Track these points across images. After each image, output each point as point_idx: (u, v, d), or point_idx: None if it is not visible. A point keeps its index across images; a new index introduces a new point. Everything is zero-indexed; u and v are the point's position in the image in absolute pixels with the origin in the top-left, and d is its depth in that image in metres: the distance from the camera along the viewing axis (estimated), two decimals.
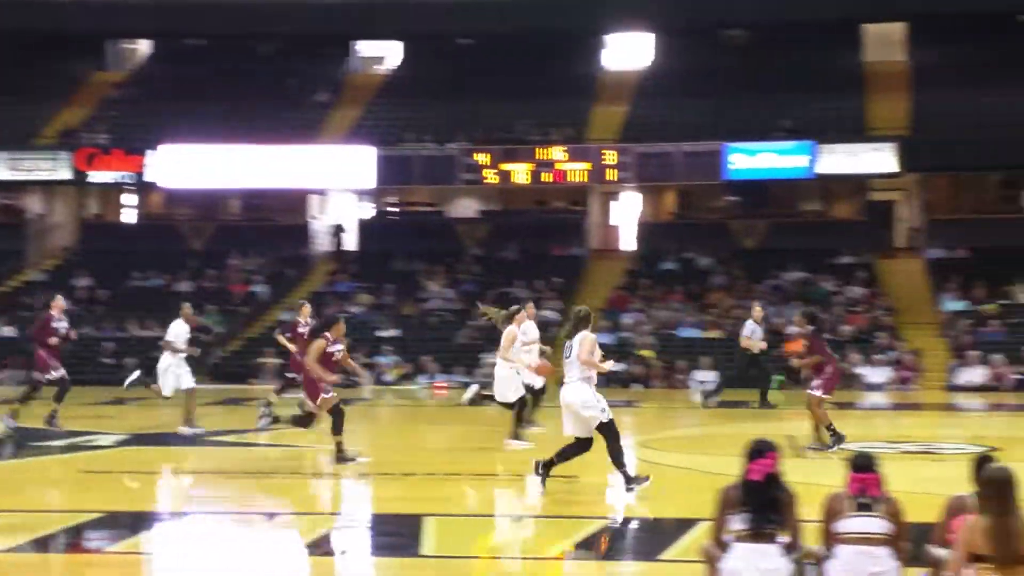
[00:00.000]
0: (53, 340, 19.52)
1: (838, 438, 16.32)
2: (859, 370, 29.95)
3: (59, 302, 20.24)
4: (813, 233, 38.90)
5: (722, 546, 7.54)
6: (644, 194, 41.25)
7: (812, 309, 18.47)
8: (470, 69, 41.99)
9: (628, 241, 41.21)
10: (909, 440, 17.21)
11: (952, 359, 30.52)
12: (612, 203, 42.35)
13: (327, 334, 15.24)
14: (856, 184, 39.28)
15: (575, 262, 38.67)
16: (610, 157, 36.94)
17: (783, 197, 41.04)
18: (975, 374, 29.22)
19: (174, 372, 19.13)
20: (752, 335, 23.69)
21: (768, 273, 36.07)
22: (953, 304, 33.12)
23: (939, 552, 7.49)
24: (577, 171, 37.19)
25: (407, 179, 38.92)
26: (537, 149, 37.44)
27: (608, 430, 12.64)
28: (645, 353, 31.69)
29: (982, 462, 7.59)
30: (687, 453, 17.52)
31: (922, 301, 34.83)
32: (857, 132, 37.52)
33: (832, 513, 7.57)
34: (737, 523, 7.44)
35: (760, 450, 7.54)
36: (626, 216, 42.08)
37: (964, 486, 7.44)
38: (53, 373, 19.43)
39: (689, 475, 14.64)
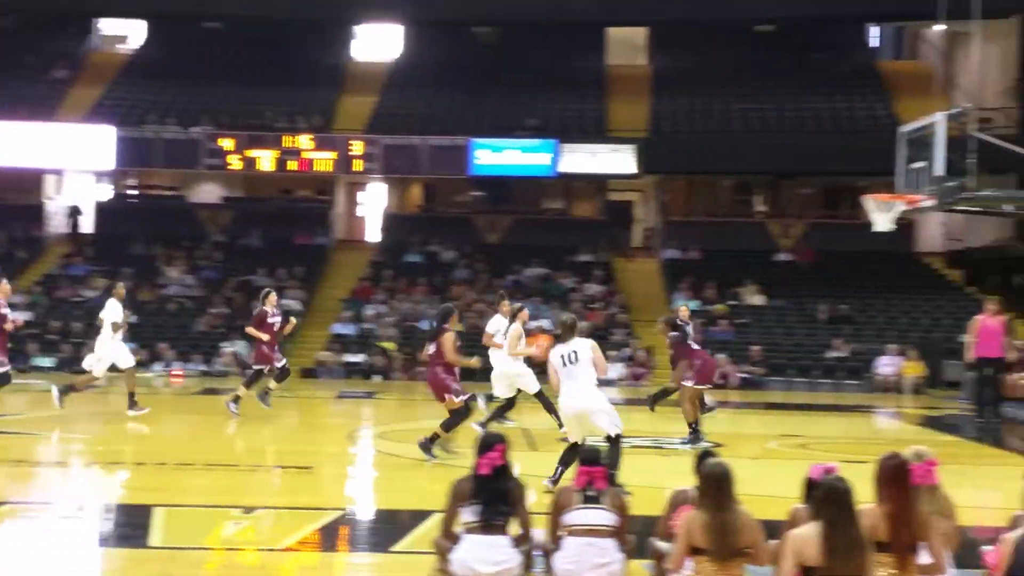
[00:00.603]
0: None
1: (696, 437, 16.83)
2: None
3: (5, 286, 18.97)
4: (554, 230, 39.63)
5: (453, 538, 7.63)
6: (390, 186, 41.32)
7: (672, 316, 18.81)
8: (217, 53, 41.29)
9: (373, 232, 41.21)
10: (638, 435, 17.67)
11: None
12: (359, 194, 42.29)
13: (447, 326, 14.64)
14: (597, 184, 40.21)
15: (319, 252, 38.43)
16: (357, 148, 36.87)
17: (526, 194, 41.68)
18: None
19: (113, 352, 19.05)
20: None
21: (510, 268, 36.59)
22: (686, 303, 34.12)
23: (662, 545, 7.72)
24: (323, 160, 36.98)
25: (148, 162, 37.97)
26: (283, 137, 37.07)
27: (616, 442, 12.60)
28: (386, 345, 31.74)
29: (703, 457, 7.85)
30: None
31: (656, 300, 35.85)
32: (599, 133, 38.41)
33: (560, 506, 7.74)
34: (468, 515, 7.54)
35: (489, 443, 7.66)
36: (372, 207, 42.07)
37: (687, 480, 7.68)
38: None
39: (425, 467, 14.72)
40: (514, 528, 7.64)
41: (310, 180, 40.14)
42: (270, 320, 19.70)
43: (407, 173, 38.74)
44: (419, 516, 10.86)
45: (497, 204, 40.93)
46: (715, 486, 7.01)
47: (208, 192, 41.36)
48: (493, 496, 7.53)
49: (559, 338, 12.96)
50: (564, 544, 7.69)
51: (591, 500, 7.66)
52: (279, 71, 41.09)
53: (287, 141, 36.89)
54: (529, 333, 31.93)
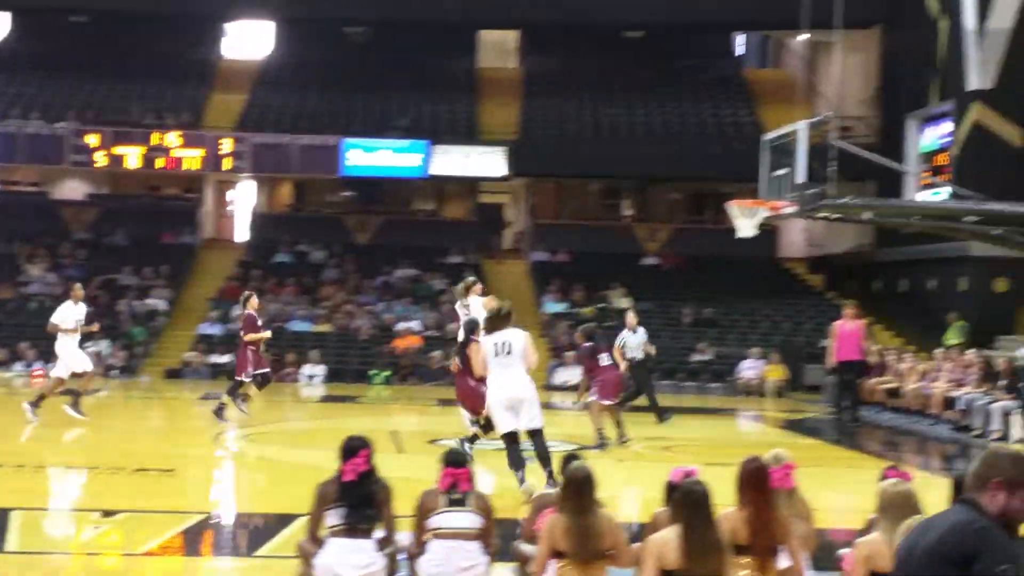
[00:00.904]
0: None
1: (602, 444, 17.06)
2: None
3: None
4: (425, 232, 39.65)
5: (318, 542, 7.63)
6: (260, 185, 40.97)
7: (591, 326, 18.69)
8: (84, 47, 40.54)
9: (242, 231, 40.82)
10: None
11: (551, 359, 31.74)
12: (228, 192, 41.87)
13: (474, 337, 14.46)
14: (468, 186, 40.32)
15: (186, 250, 37.93)
16: (226, 146, 36.47)
17: (397, 195, 41.62)
18: (572, 374, 30.47)
19: (72, 354, 18.76)
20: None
21: (380, 269, 36.52)
22: (554, 306, 34.46)
23: (526, 547, 7.81)
24: (192, 158, 36.51)
25: (11, 158, 37.08)
26: (151, 133, 36.53)
27: (541, 435, 12.66)
28: None
29: (567, 461, 7.96)
30: (291, 447, 17.54)
31: (525, 302, 36.02)
32: (470, 135, 38.52)
33: (425, 509, 7.76)
34: (333, 518, 7.54)
35: (353, 448, 7.66)
36: (241, 206, 41.68)
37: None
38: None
39: (292, 469, 14.66)
40: (379, 531, 7.66)
41: (178, 178, 39.58)
42: (259, 324, 19.75)
43: (277, 172, 38.42)
44: (284, 520, 10.82)
45: (368, 204, 40.81)
46: (577, 489, 7.09)
47: (72, 189, 40.55)
48: (358, 500, 7.54)
49: (491, 327, 12.85)
50: (429, 548, 7.73)
51: (456, 503, 7.69)
52: (148, 67, 40.48)
53: (155, 138, 36.34)
54: (397, 334, 32.05)
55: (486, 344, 12.75)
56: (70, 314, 19.05)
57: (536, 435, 12.60)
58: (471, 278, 17.68)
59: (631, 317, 21.94)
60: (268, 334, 20.17)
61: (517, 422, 12.55)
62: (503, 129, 38.62)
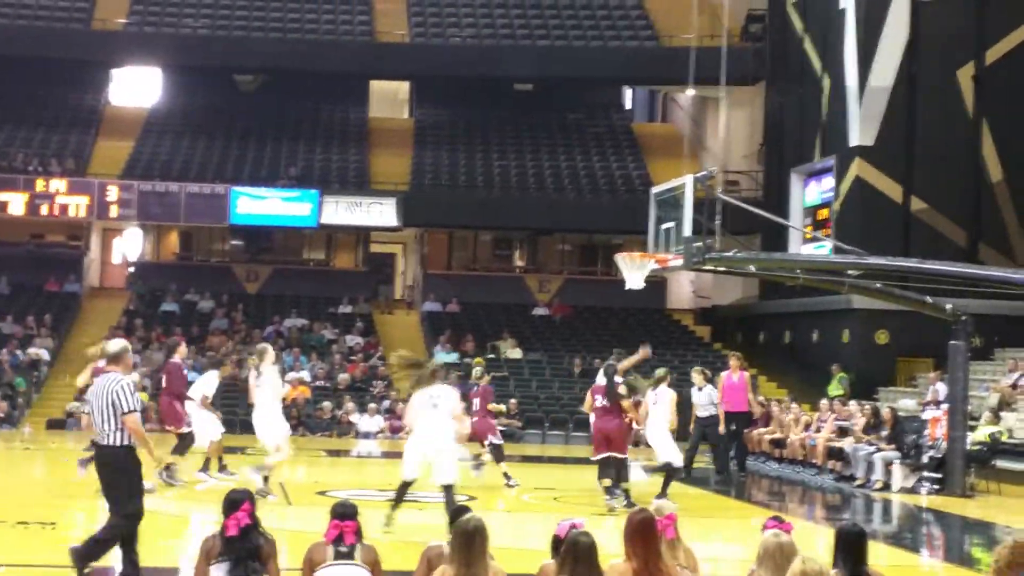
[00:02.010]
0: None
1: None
2: (353, 418, 30.63)
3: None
4: (315, 281, 39.53)
5: None
6: (147, 233, 40.53)
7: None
8: None
9: (128, 280, 40.31)
10: (396, 489, 17.71)
11: None
12: (114, 240, 41.35)
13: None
14: (358, 235, 40.27)
15: (70, 299, 37.33)
16: (113, 193, 36.07)
17: (288, 244, 41.43)
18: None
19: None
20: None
21: (269, 319, 36.27)
22: (445, 356, 34.42)
23: None
24: (78, 205, 36.03)
25: None
26: (36, 180, 35.99)
27: (451, 490, 13.54)
28: (140, 396, 31.00)
29: (457, 512, 7.98)
30: (177, 500, 17.29)
31: (416, 352, 35.96)
32: (361, 185, 38.54)
33: (313, 562, 7.71)
34: (217, 573, 7.48)
35: (235, 501, 7.60)
36: (128, 254, 41.19)
37: (443, 535, 7.75)
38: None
39: (178, 523, 14.47)
40: None
41: (63, 225, 38.99)
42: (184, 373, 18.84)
43: (164, 220, 38.01)
44: (169, 574, 10.67)
45: (257, 253, 40.56)
46: (466, 541, 7.09)
47: None
48: (243, 554, 7.48)
49: (420, 382, 13.74)
50: None
51: (343, 556, 7.65)
52: (33, 113, 39.97)
53: (39, 185, 35.83)
54: (290, 383, 31.78)
55: (416, 398, 13.55)
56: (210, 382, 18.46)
57: (448, 489, 13.44)
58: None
59: (697, 375, 22.43)
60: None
61: (419, 471, 13.55)
62: (394, 179, 38.70)
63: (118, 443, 9.93)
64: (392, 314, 39.03)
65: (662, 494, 16.97)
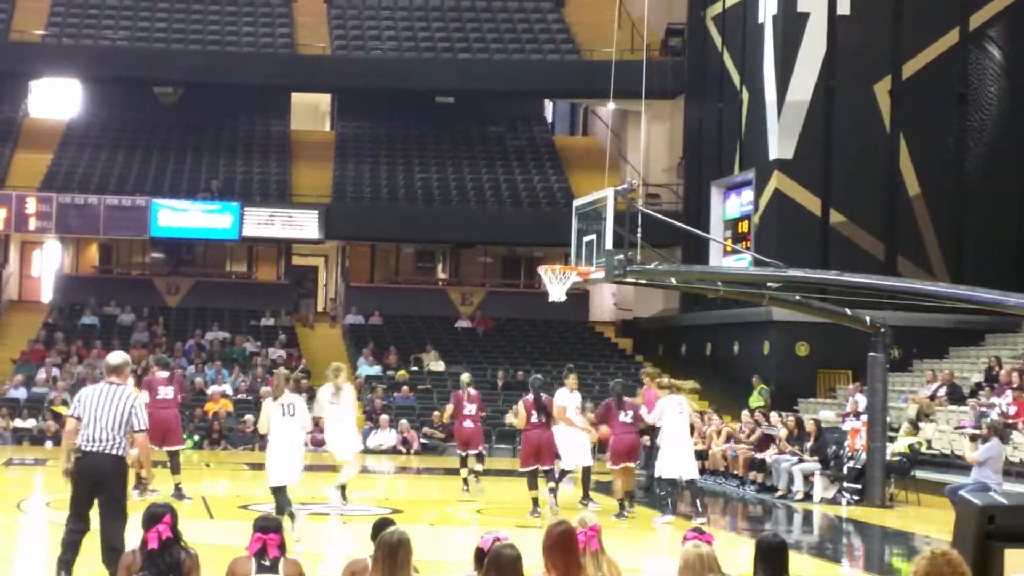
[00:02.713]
0: None
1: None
2: None
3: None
4: (237, 293, 39.28)
5: None
6: (66, 245, 40.05)
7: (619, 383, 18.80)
8: None
9: (47, 293, 39.82)
10: (319, 501, 17.66)
11: (366, 422, 31.62)
12: (34, 252, 40.85)
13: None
14: (280, 248, 40.06)
15: None
16: (31, 205, 35.62)
17: (209, 256, 41.12)
18: (387, 437, 30.43)
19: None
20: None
21: (191, 332, 35.98)
22: (368, 369, 34.37)
23: None
24: None
25: None
26: None
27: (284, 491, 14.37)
28: (60, 409, 30.60)
29: (381, 525, 7.96)
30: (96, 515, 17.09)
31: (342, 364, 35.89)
32: (282, 197, 38.36)
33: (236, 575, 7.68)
34: None
35: (156, 515, 7.56)
36: (47, 267, 40.68)
37: (367, 548, 7.73)
38: None
39: (97, 538, 14.30)
40: None
41: None
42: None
43: (83, 232, 37.58)
44: None
45: (178, 266, 40.22)
46: (390, 553, 7.06)
47: None
48: (163, 568, 7.43)
49: (277, 392, 14.42)
50: None
51: (266, 570, 7.61)
52: None
53: None
54: (208, 398, 31.61)
55: (272, 408, 14.30)
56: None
57: (279, 492, 14.29)
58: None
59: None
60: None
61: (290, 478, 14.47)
62: (316, 192, 38.54)
63: (122, 453, 10.38)
64: (313, 328, 38.84)
65: (585, 496, 17.43)
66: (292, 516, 13.81)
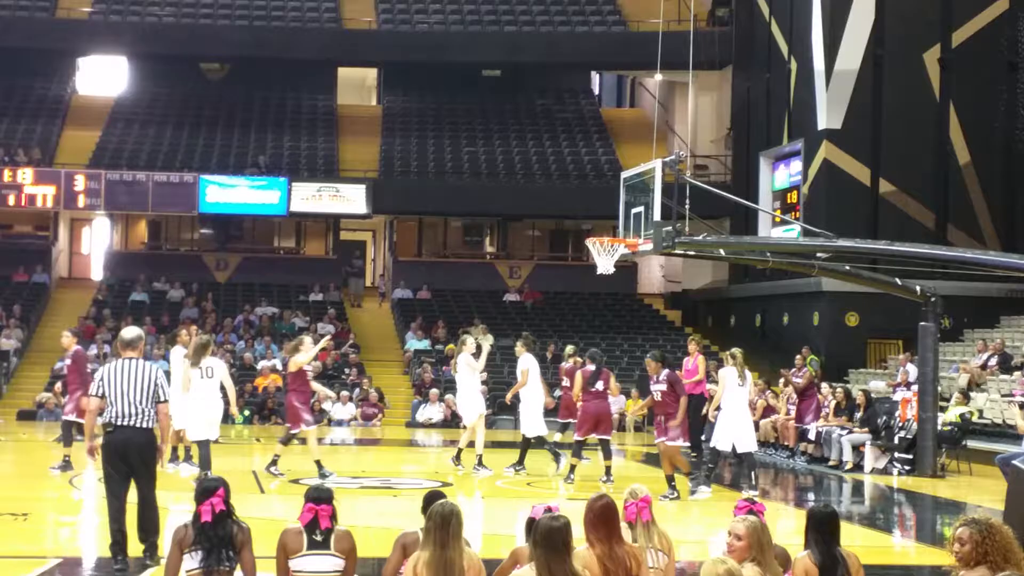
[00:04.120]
0: None
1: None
2: (326, 406, 30.58)
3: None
4: (285, 269, 39.45)
5: None
6: (115, 222, 40.34)
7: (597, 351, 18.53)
8: None
9: (97, 270, 40.14)
10: (369, 475, 17.74)
11: (414, 396, 31.73)
12: (83, 230, 41.16)
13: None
14: (328, 223, 40.17)
15: (39, 289, 37.14)
16: (80, 183, 35.88)
17: (257, 232, 41.31)
18: (435, 411, 30.51)
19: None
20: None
21: (240, 307, 36.18)
22: (416, 343, 34.46)
23: None
24: (44, 195, 35.83)
25: None
26: (2, 170, 35.75)
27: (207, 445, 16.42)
28: None
29: (431, 498, 7.98)
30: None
31: (388, 340, 36.05)
32: (329, 172, 38.44)
33: (288, 550, 7.68)
34: (191, 562, 7.46)
35: (209, 488, 7.59)
36: (96, 244, 40.99)
37: (417, 521, 7.74)
38: None
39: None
40: (239, 573, 7.59)
41: (30, 216, 38.81)
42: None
43: (132, 209, 37.87)
44: (141, 564, 10.64)
45: (227, 242, 40.42)
46: (441, 524, 7.08)
47: None
48: (216, 542, 7.47)
49: (197, 358, 16.39)
50: None
51: (317, 545, 7.62)
52: None
53: (6, 175, 35.60)
54: (258, 373, 31.78)
55: (193, 371, 16.29)
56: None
57: (203, 445, 16.22)
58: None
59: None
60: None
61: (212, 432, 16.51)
62: (363, 166, 38.62)
63: (152, 425, 10.62)
64: (360, 307, 38.88)
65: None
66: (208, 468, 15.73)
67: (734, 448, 17.27)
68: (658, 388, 16.30)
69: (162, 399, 10.60)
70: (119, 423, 10.42)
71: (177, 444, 17.79)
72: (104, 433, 10.52)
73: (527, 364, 18.90)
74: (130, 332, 10.96)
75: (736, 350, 17.50)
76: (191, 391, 16.26)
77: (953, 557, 6.84)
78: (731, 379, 17.15)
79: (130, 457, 10.47)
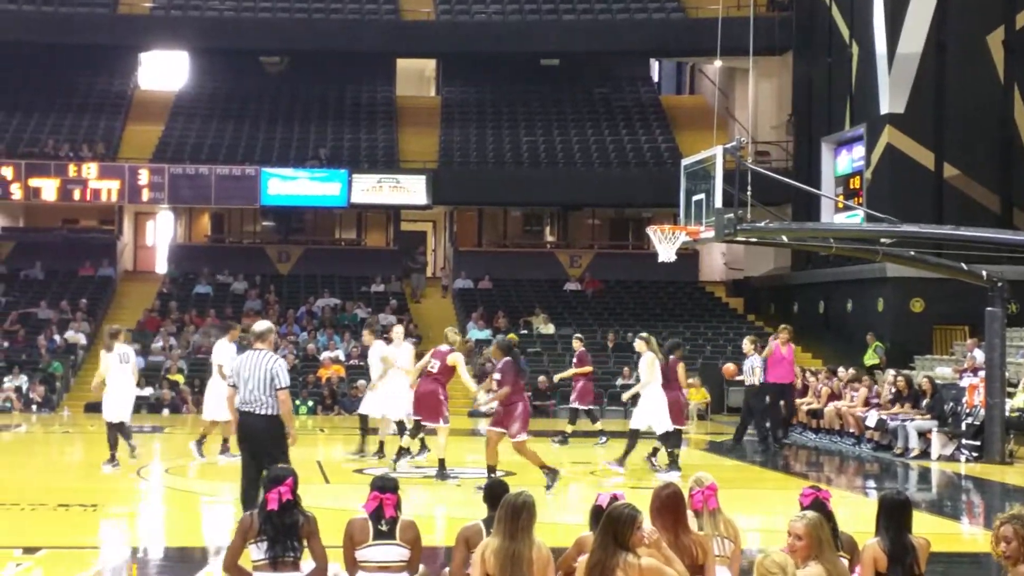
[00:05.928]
0: None
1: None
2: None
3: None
4: (347, 260, 39.62)
5: (240, 573, 7.58)
6: (179, 216, 40.70)
7: (509, 339, 16.89)
8: None
9: (162, 263, 40.52)
10: (431, 465, 17.77)
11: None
12: (147, 223, 41.55)
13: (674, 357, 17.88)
14: (389, 214, 40.30)
15: (104, 283, 37.55)
16: (143, 177, 36.23)
17: (319, 224, 41.54)
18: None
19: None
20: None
21: (302, 299, 36.39)
22: (478, 333, 34.47)
23: None
24: (109, 190, 36.20)
25: None
26: (67, 165, 36.18)
27: (123, 427, 17.83)
28: (175, 377, 31.17)
29: (494, 488, 7.98)
30: (213, 480, 17.38)
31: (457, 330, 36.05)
32: (390, 164, 38.55)
33: (354, 540, 7.73)
34: (256, 552, 7.50)
35: (278, 477, 7.64)
36: (160, 237, 41.37)
37: (479, 511, 7.75)
38: None
39: (216, 502, 14.54)
40: (307, 564, 7.63)
41: (95, 210, 39.25)
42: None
43: (195, 203, 38.22)
44: (207, 554, 10.73)
45: (289, 234, 40.67)
46: (512, 514, 7.07)
47: None
48: (282, 530, 7.50)
49: (111, 344, 17.63)
50: None
51: (383, 535, 7.65)
52: (62, 98, 40.17)
53: (71, 170, 36.02)
54: (321, 364, 31.93)
55: (111, 357, 17.43)
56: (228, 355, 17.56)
57: (119, 427, 17.56)
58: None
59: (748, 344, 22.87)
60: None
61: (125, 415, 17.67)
62: (423, 157, 38.71)
63: (274, 412, 11.28)
64: (419, 302, 38.86)
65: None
66: (132, 449, 17.66)
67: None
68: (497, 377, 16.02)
69: (279, 386, 11.23)
70: (244, 410, 11.31)
71: (228, 436, 17.88)
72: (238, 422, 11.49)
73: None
74: (260, 326, 11.73)
75: (644, 334, 17.90)
76: (109, 377, 17.45)
77: (999, 557, 6.72)
78: (655, 363, 17.44)
79: (250, 442, 11.37)
